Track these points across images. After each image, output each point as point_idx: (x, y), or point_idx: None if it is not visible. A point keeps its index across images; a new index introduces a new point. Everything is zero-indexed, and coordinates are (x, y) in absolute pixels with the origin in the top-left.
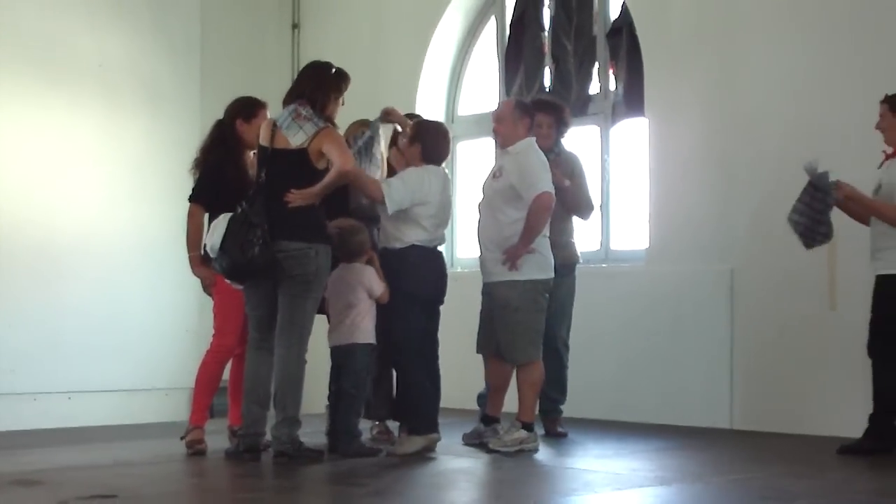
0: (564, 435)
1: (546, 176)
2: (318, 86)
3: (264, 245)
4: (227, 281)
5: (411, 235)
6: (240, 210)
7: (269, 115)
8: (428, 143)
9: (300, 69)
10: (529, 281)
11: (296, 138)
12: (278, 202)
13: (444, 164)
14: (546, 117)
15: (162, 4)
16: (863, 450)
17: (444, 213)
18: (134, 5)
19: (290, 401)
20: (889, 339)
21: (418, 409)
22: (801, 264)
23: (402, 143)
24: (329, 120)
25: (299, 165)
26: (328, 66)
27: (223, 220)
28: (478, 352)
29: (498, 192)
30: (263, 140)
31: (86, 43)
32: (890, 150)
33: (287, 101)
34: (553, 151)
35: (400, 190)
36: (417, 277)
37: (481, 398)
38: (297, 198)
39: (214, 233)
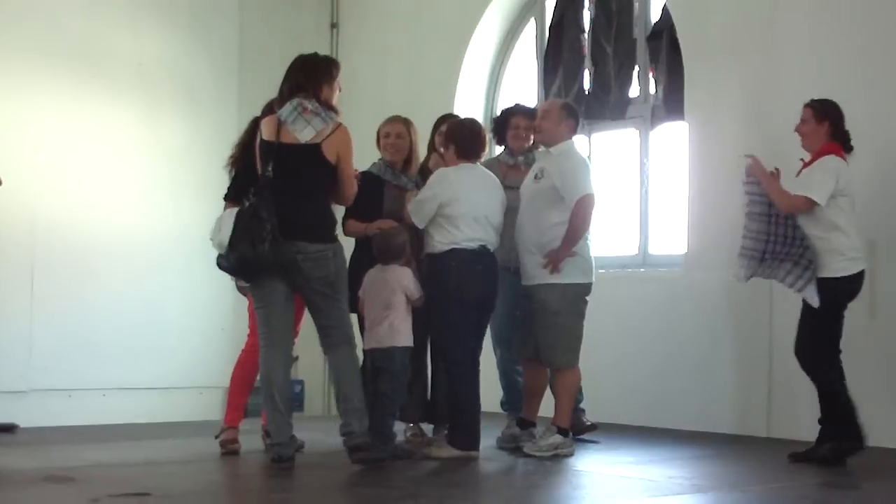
0: (594, 427)
1: (588, 178)
2: (310, 76)
3: (274, 240)
4: (231, 278)
5: (448, 238)
6: (247, 205)
7: None
8: (460, 142)
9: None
10: (571, 285)
11: (303, 133)
12: (290, 198)
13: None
14: (524, 120)
15: (201, 4)
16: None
17: (480, 210)
18: (173, 4)
19: (354, 391)
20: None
21: (461, 422)
22: None
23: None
24: (332, 108)
25: (312, 161)
26: (314, 55)
27: (229, 215)
28: (516, 354)
29: (540, 194)
30: (269, 135)
31: (125, 42)
32: (808, 158)
33: (286, 96)
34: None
35: (416, 211)
36: (459, 282)
37: (504, 405)
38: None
39: (222, 229)
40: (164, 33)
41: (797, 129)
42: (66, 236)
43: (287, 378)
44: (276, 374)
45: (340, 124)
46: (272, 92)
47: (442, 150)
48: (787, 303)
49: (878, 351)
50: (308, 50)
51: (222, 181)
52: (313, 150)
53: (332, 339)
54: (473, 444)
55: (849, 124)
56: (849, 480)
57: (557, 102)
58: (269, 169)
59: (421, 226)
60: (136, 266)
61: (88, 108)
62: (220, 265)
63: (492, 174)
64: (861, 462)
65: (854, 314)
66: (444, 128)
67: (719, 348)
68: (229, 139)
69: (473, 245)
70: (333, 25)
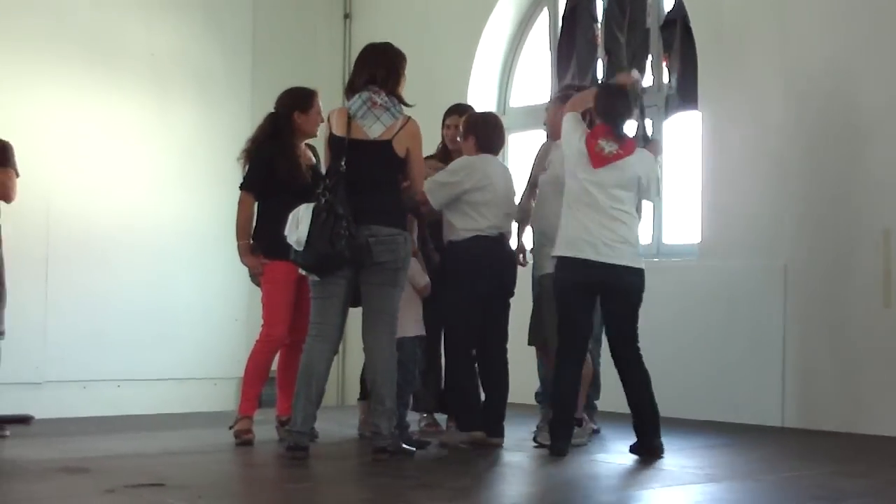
0: (597, 431)
1: None
2: (390, 72)
3: (350, 236)
4: (303, 272)
5: (471, 226)
6: (323, 201)
7: (320, 102)
8: (480, 134)
9: (361, 53)
10: None
11: (373, 129)
12: (363, 190)
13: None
14: (457, 119)
15: None
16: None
17: (502, 200)
18: None
19: (388, 393)
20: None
21: (459, 406)
22: (855, 260)
23: (448, 134)
24: (402, 102)
25: (383, 156)
26: (391, 47)
27: (306, 211)
28: (529, 344)
29: (546, 183)
30: (338, 130)
31: (137, 32)
32: None
33: (356, 87)
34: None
35: (435, 191)
36: (477, 269)
37: (538, 395)
38: None
39: (300, 226)
40: (177, 24)
41: None
42: (80, 228)
43: (327, 372)
44: (319, 367)
45: (409, 118)
46: (285, 82)
47: (458, 139)
48: (801, 293)
49: (893, 340)
50: (321, 41)
51: (235, 172)
52: (384, 146)
53: (379, 325)
54: (474, 424)
55: (863, 110)
56: (861, 469)
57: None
58: (342, 164)
59: (437, 207)
60: (150, 257)
61: (101, 99)
62: (295, 261)
63: (506, 166)
64: (875, 450)
65: (868, 302)
66: (449, 120)
67: (734, 337)
68: (242, 130)
69: (494, 233)
70: (346, 16)
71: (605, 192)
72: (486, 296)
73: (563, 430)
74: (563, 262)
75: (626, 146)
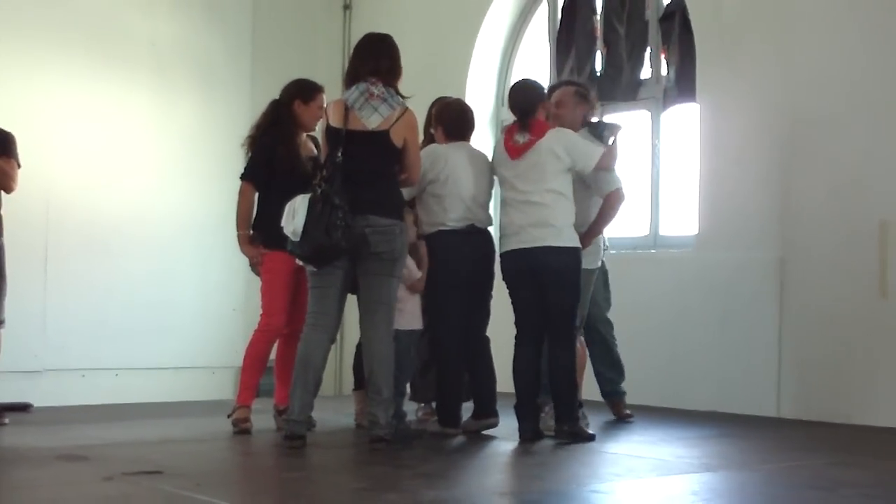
0: (630, 416)
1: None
2: (394, 64)
3: (347, 227)
4: (300, 262)
5: (434, 220)
6: (319, 191)
7: (325, 98)
8: (447, 121)
9: (363, 44)
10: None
11: (371, 120)
12: (360, 180)
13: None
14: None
15: None
16: None
17: (467, 190)
18: None
19: (385, 383)
20: None
21: (441, 400)
22: (851, 252)
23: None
24: (398, 93)
25: (381, 147)
26: (391, 38)
27: (302, 201)
28: None
29: None
30: (336, 121)
31: (138, 22)
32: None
33: (359, 77)
34: None
35: None
36: (444, 264)
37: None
38: None
39: (296, 216)
40: (178, 14)
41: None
42: (80, 217)
43: (324, 362)
44: (316, 356)
45: (407, 108)
46: (285, 72)
47: (433, 131)
48: (797, 284)
49: (889, 331)
50: (321, 32)
51: (236, 161)
52: (382, 136)
53: (377, 315)
54: (451, 421)
55: (861, 102)
56: (857, 459)
57: (570, 89)
58: (339, 154)
59: (406, 199)
60: (149, 246)
61: (102, 88)
62: (292, 252)
63: (482, 153)
64: (870, 441)
65: (864, 294)
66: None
67: (730, 329)
68: (243, 119)
69: (461, 225)
70: (346, 6)
71: (526, 179)
72: (460, 289)
73: (526, 412)
74: (501, 255)
75: (536, 131)
